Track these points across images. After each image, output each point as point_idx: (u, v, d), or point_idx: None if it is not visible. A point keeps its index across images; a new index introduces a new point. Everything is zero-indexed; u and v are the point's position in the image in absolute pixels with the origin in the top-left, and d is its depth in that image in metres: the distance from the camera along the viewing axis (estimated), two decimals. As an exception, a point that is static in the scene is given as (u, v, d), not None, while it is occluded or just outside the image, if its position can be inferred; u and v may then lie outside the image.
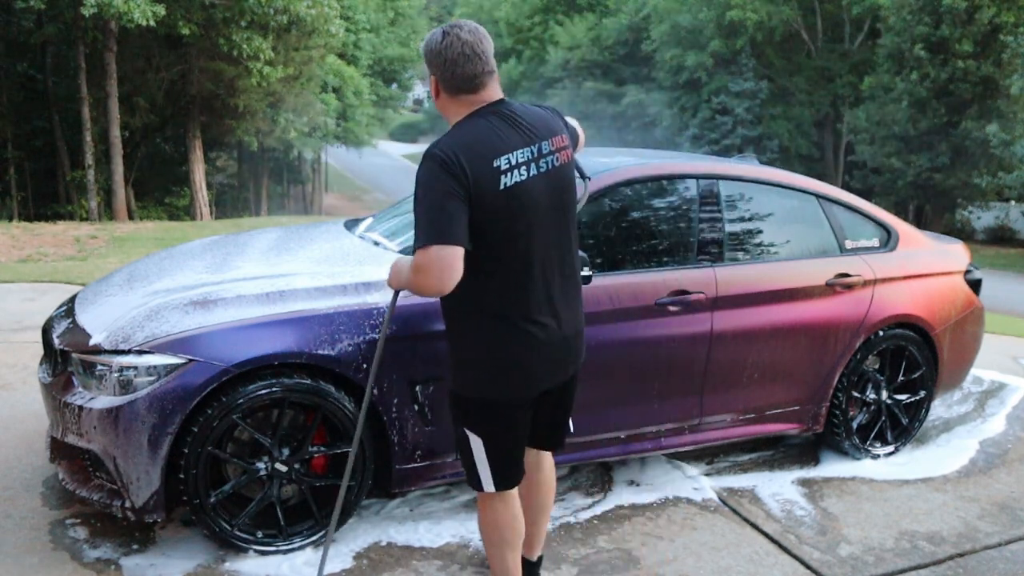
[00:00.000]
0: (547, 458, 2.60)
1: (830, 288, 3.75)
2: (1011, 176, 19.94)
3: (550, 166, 2.21)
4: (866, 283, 3.84)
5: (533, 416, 2.38)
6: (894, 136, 23.22)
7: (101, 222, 16.80)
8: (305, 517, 2.90)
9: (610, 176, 3.35)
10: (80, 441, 2.73)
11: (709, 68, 28.27)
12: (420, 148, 39.34)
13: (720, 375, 3.50)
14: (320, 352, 2.75)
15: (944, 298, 4.10)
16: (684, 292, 3.36)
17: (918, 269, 4.06)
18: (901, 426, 4.09)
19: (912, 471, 3.92)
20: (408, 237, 3.22)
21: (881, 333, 3.88)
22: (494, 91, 2.22)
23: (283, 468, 2.82)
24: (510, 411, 2.28)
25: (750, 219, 3.70)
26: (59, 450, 2.91)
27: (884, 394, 4.01)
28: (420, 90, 59.90)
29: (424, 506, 3.30)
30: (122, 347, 2.70)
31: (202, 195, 21.01)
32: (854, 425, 3.95)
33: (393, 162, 48.13)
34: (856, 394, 3.93)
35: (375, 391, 2.81)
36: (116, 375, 2.66)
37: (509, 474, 2.34)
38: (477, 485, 2.35)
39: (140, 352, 2.67)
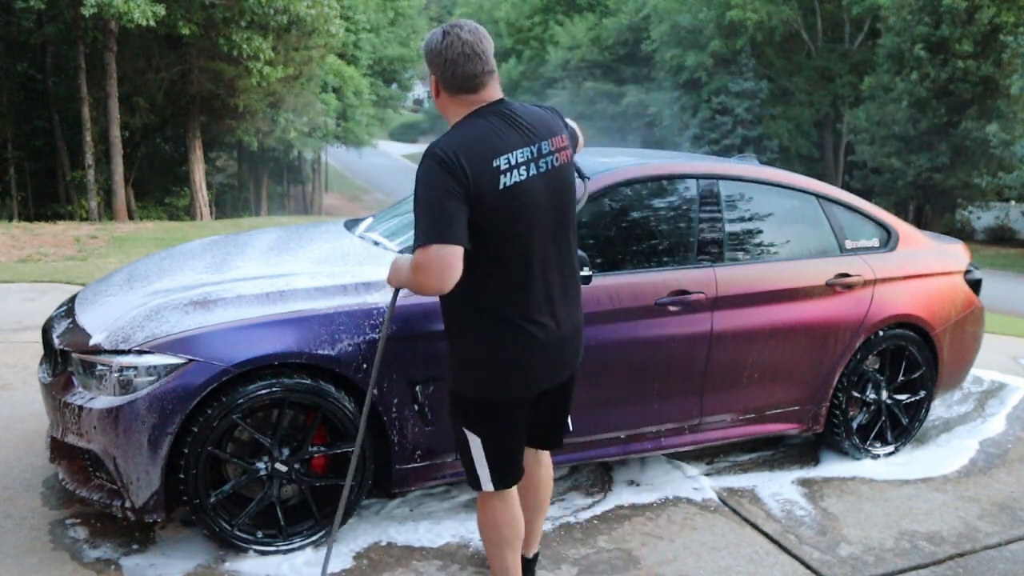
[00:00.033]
0: (545, 457, 2.61)
1: (830, 288, 3.75)
2: (1011, 176, 19.93)
3: (550, 166, 2.21)
4: (866, 283, 3.84)
5: (532, 416, 2.39)
6: (894, 136, 23.21)
7: (101, 222, 16.79)
8: (305, 517, 2.90)
9: (610, 176, 3.35)
10: (80, 441, 2.73)
11: (709, 68, 28.25)
12: (420, 148, 39.29)
13: (720, 375, 3.50)
14: (320, 352, 2.75)
15: (944, 298, 4.10)
16: (684, 292, 3.36)
17: (918, 269, 4.06)
18: (901, 426, 4.09)
19: (912, 471, 3.93)
20: (408, 237, 3.22)
21: (881, 333, 3.88)
22: (494, 91, 2.22)
23: (283, 468, 2.83)
24: (510, 411, 2.28)
25: (750, 219, 3.70)
26: (59, 450, 2.91)
27: (884, 394, 4.01)
28: (420, 90, 59.92)
29: (424, 506, 3.30)
30: (122, 347, 2.70)
31: (202, 195, 21.02)
32: (854, 425, 3.95)
33: (393, 162, 48.11)
34: (856, 394, 3.93)
35: (375, 391, 2.81)
36: (116, 375, 2.66)
37: (508, 473, 2.35)
38: (476, 484, 2.36)
39: (140, 352, 2.67)
